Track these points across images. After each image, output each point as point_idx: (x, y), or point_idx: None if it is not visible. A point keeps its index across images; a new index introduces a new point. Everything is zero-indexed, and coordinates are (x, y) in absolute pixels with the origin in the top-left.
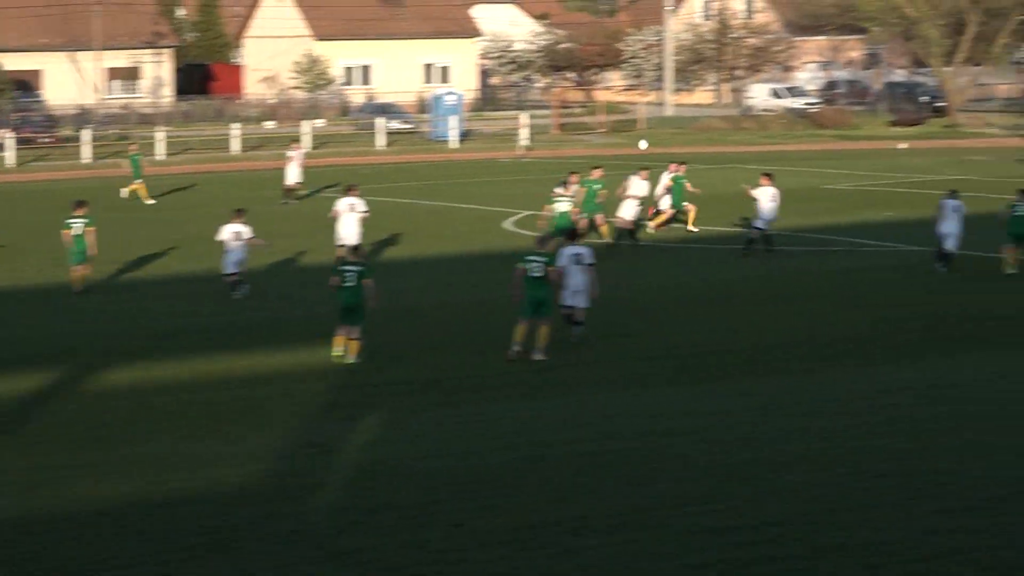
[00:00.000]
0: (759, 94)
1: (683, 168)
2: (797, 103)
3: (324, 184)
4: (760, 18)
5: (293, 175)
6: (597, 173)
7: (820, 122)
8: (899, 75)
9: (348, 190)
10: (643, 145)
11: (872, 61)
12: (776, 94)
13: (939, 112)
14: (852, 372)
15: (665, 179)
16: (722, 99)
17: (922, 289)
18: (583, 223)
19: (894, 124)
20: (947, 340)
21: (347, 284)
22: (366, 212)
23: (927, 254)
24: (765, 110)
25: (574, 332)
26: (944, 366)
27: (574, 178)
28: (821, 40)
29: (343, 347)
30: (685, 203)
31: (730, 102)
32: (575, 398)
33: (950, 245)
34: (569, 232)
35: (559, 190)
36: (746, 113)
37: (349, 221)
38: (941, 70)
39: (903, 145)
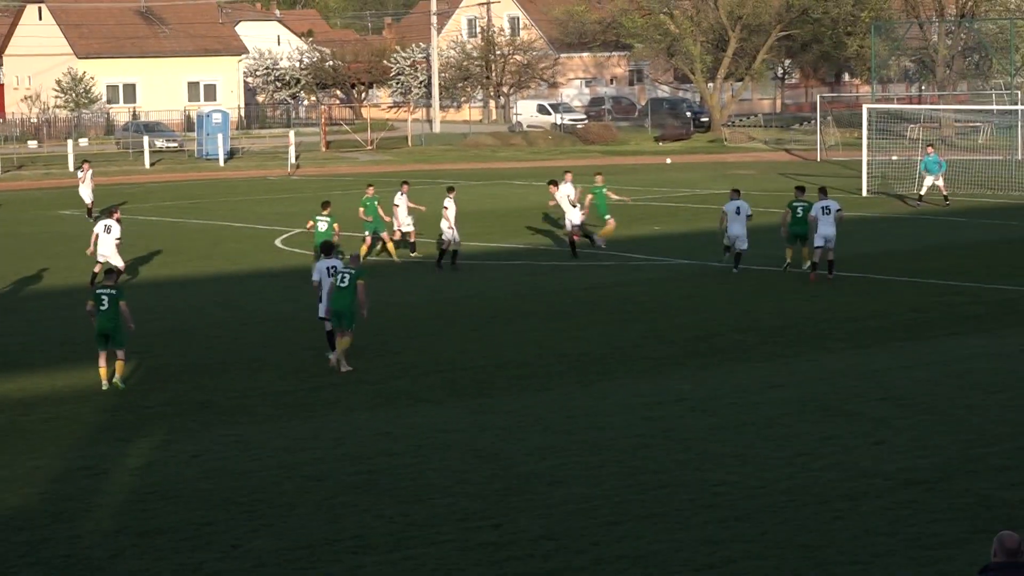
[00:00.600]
0: (526, 110)
1: (601, 179)
2: (564, 119)
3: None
4: (525, 35)
5: (87, 195)
6: (370, 191)
7: (587, 138)
8: (663, 91)
9: (108, 212)
10: (668, 161)
11: (637, 77)
12: (543, 110)
13: (703, 127)
14: (623, 385)
15: (569, 191)
16: (490, 116)
17: (691, 302)
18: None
19: (660, 139)
20: (716, 352)
21: (102, 309)
22: (119, 239)
23: (696, 267)
24: (532, 126)
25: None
26: (715, 378)
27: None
28: (586, 57)
29: (107, 378)
30: (608, 215)
31: (498, 119)
32: (348, 416)
33: (741, 245)
34: (325, 247)
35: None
36: (514, 129)
37: (106, 243)
38: (704, 86)
39: (669, 160)
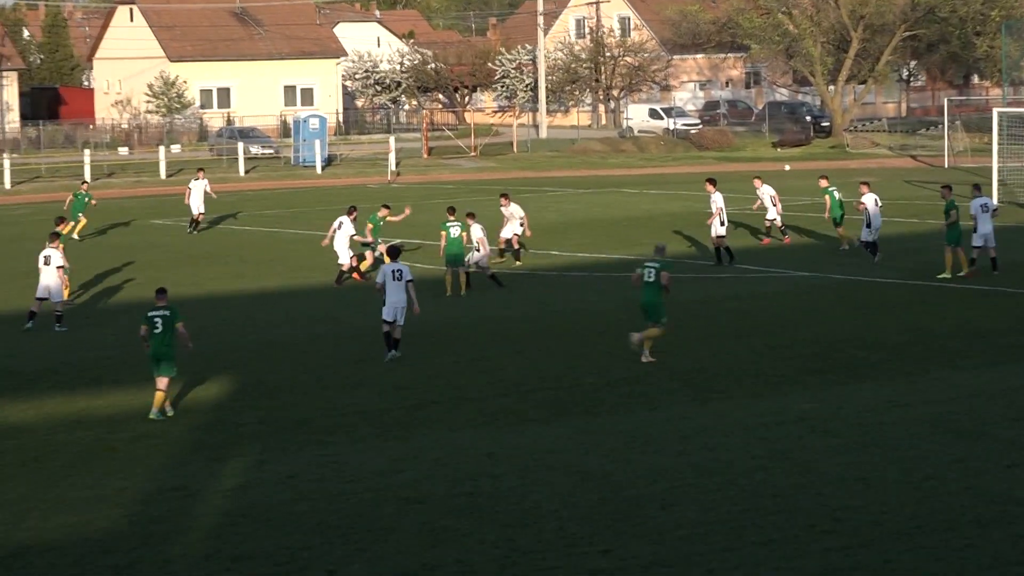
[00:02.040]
0: (637, 115)
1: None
2: (677, 124)
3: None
4: (636, 36)
5: (196, 204)
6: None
7: (701, 144)
8: (782, 94)
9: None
10: (787, 168)
11: (753, 80)
12: (655, 115)
13: (824, 132)
14: (738, 404)
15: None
16: (599, 121)
17: (811, 316)
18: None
19: (778, 145)
20: (838, 369)
21: (156, 332)
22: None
23: (816, 280)
24: (644, 132)
25: (391, 352)
26: (836, 396)
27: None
28: (700, 59)
29: (158, 405)
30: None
31: (607, 124)
32: (450, 435)
33: (869, 236)
34: (391, 250)
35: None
36: (624, 135)
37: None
38: (825, 89)
39: (788, 167)
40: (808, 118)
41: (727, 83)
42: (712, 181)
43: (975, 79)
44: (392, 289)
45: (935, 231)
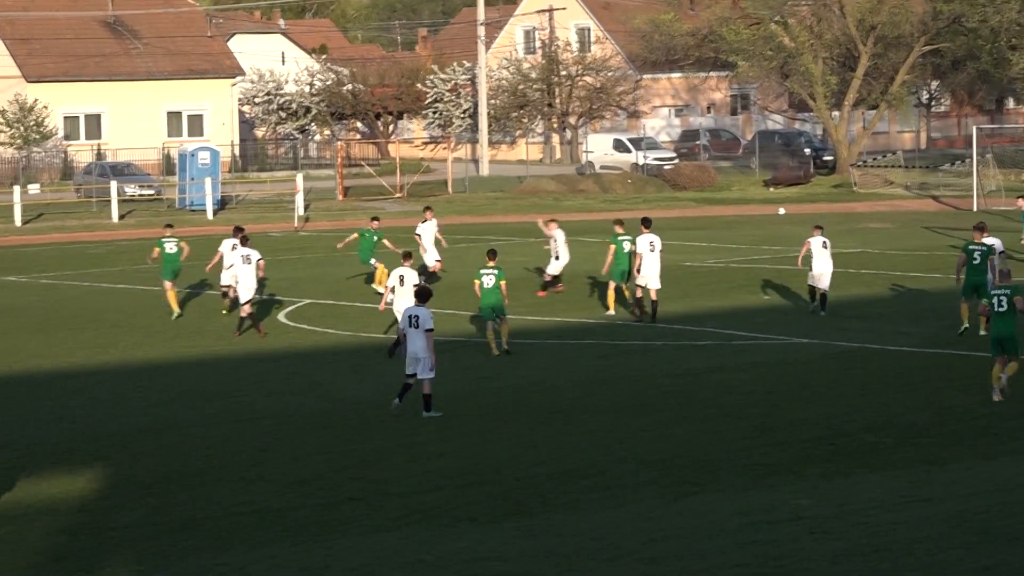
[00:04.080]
0: (599, 147)
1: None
2: (648, 158)
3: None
4: (599, 51)
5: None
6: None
7: (677, 182)
8: (775, 122)
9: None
10: (781, 211)
11: (741, 105)
12: (621, 147)
13: (826, 168)
14: (722, 499)
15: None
16: (553, 154)
17: (811, 392)
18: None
19: (771, 183)
20: (843, 457)
21: None
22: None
23: (818, 348)
24: (607, 167)
25: (424, 412)
26: (841, 490)
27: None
28: (676, 78)
29: None
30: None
31: (563, 158)
32: (369, 539)
33: (823, 285)
34: (420, 293)
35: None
36: (584, 171)
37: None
38: (827, 115)
39: (782, 210)
40: (807, 151)
41: (709, 108)
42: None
43: (1010, 103)
44: (409, 337)
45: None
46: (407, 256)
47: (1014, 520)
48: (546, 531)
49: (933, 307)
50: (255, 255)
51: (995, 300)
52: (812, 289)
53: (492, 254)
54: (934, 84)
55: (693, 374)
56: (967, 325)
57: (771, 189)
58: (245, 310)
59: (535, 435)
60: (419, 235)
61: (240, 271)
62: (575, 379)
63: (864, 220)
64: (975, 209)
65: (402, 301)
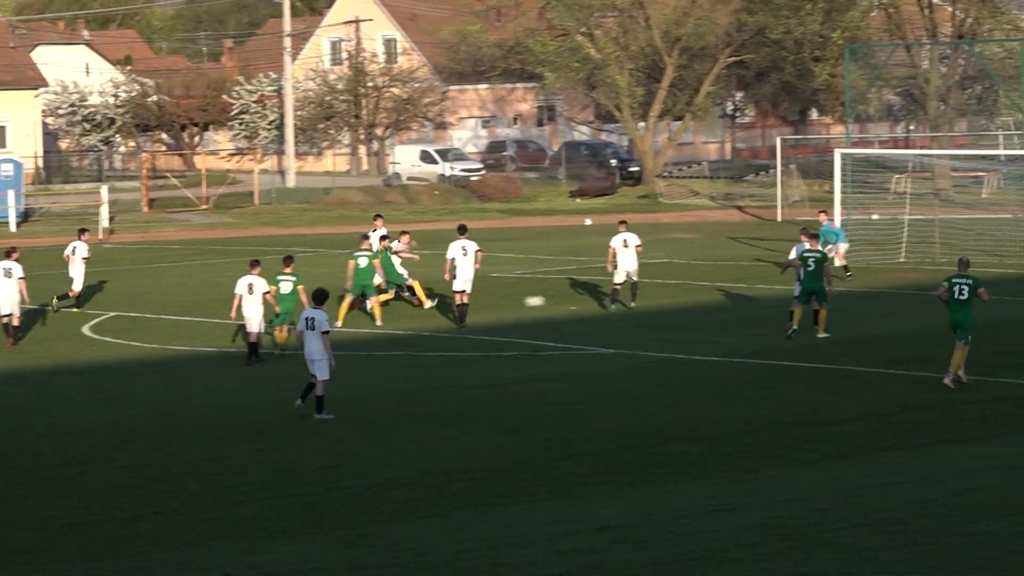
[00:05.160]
0: (406, 158)
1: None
2: (454, 169)
3: None
4: (405, 62)
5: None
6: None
7: (484, 193)
8: (582, 133)
9: None
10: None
11: (548, 116)
12: (428, 158)
13: (632, 179)
14: (531, 509)
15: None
16: (360, 165)
17: (619, 402)
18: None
19: (577, 195)
20: (650, 466)
21: None
22: None
23: (625, 358)
24: (414, 179)
25: (316, 414)
26: (648, 499)
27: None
28: (483, 90)
29: None
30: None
31: (370, 169)
32: (176, 554)
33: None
34: (317, 295)
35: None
36: (390, 183)
37: None
38: (633, 126)
39: (588, 221)
40: (613, 162)
41: (515, 119)
42: (462, 228)
43: (814, 114)
44: (306, 339)
45: (766, 298)
46: (255, 264)
47: (820, 528)
48: (358, 543)
49: (738, 317)
50: (17, 270)
51: (956, 288)
52: (615, 290)
53: (288, 260)
54: (739, 95)
55: (500, 385)
56: (796, 328)
57: (577, 200)
58: (14, 319)
59: (346, 447)
60: (368, 240)
61: (1, 285)
62: (384, 390)
63: (670, 231)
64: (779, 219)
65: (252, 309)
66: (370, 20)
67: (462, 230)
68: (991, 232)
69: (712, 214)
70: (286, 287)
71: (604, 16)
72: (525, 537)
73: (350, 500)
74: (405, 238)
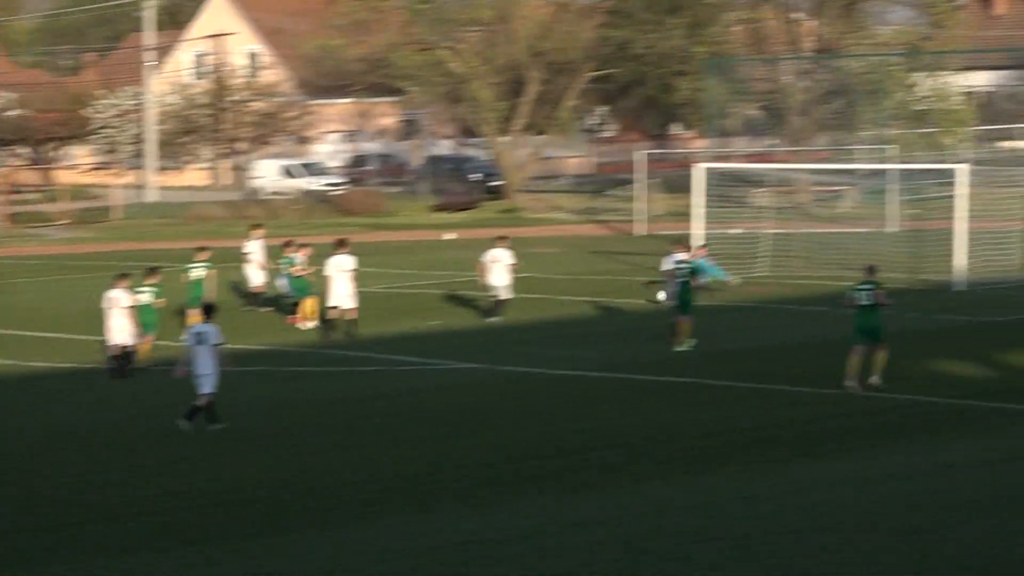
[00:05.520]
0: (268, 172)
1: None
2: (316, 183)
3: None
4: (268, 77)
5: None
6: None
7: (346, 207)
8: (444, 147)
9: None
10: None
11: (410, 130)
12: (290, 172)
13: (495, 193)
14: (388, 526)
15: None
16: (221, 179)
17: (479, 417)
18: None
19: (439, 209)
20: (509, 481)
21: None
22: None
23: (485, 372)
24: (276, 193)
25: (182, 420)
26: (508, 514)
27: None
28: (346, 104)
29: None
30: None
31: (232, 183)
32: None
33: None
34: (206, 308)
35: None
36: (252, 197)
37: None
38: (496, 141)
39: (450, 235)
40: (476, 176)
41: (379, 134)
42: (342, 242)
43: (676, 128)
44: (197, 354)
45: (628, 312)
46: (121, 277)
47: (678, 542)
48: (210, 561)
49: (600, 331)
50: None
51: (863, 295)
52: (496, 303)
53: (151, 272)
54: (601, 109)
55: (358, 400)
56: (693, 340)
57: (440, 214)
58: None
59: (181, 467)
60: (248, 252)
61: None
62: (242, 406)
63: (532, 245)
64: (641, 233)
65: (118, 322)
66: (234, 34)
67: (341, 244)
68: (851, 246)
69: (574, 228)
70: (147, 299)
71: (468, 30)
72: (384, 552)
73: (196, 520)
74: (304, 252)
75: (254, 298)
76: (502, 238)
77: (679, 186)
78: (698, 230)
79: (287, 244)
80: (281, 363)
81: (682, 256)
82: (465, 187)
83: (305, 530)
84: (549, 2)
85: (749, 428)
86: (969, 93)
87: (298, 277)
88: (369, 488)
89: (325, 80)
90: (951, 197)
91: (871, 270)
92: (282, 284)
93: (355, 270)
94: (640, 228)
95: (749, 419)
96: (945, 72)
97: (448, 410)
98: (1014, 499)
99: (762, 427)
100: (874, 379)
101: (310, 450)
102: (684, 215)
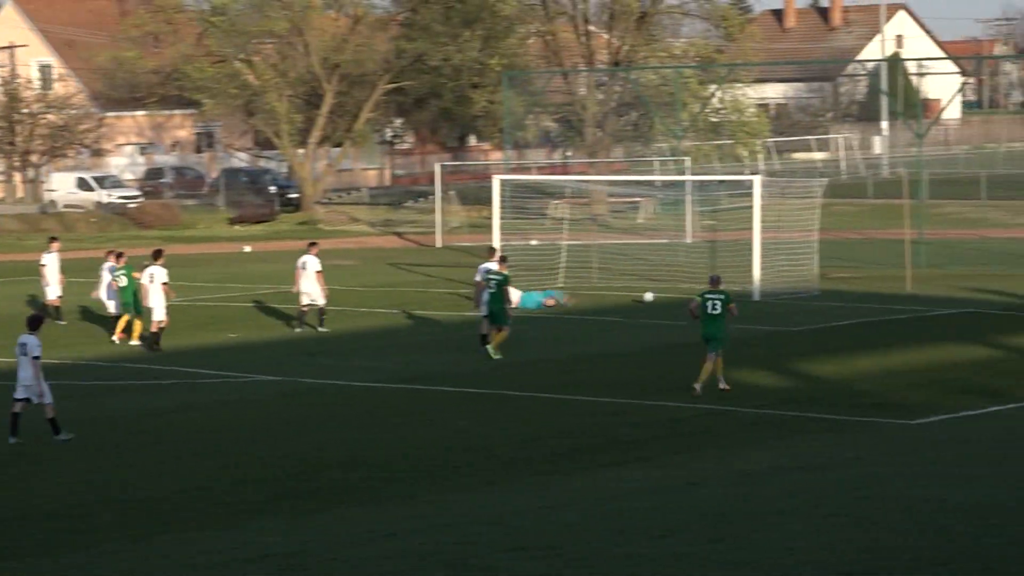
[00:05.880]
0: (63, 186)
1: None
2: (112, 196)
3: None
4: (61, 89)
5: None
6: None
7: (142, 220)
8: (241, 160)
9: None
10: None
11: (206, 142)
12: (85, 185)
13: (292, 205)
14: (189, 539)
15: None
16: (15, 193)
17: (281, 430)
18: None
19: (236, 221)
20: (313, 494)
21: None
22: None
23: (286, 385)
24: (71, 206)
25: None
26: (311, 526)
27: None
28: (140, 117)
29: None
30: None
31: (26, 196)
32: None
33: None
34: (30, 320)
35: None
36: (47, 210)
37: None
38: (293, 153)
39: (248, 248)
40: (273, 188)
41: (174, 146)
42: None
43: (473, 140)
44: (20, 365)
45: (427, 324)
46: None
47: (478, 552)
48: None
49: (397, 342)
50: None
51: (709, 303)
52: (302, 312)
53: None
54: (398, 121)
55: (159, 414)
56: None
57: (236, 227)
58: None
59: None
60: (44, 265)
61: None
62: (39, 422)
63: (330, 257)
64: (439, 244)
65: None
66: (25, 46)
67: (157, 255)
68: (647, 257)
69: (372, 240)
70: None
71: (262, 43)
72: (185, 566)
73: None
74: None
75: (53, 311)
76: (313, 244)
77: (476, 198)
78: (497, 242)
79: (119, 256)
80: (79, 377)
81: (493, 266)
82: (262, 199)
83: (106, 544)
84: (344, 14)
85: (551, 438)
86: (763, 105)
87: (123, 289)
88: (176, 501)
89: (119, 92)
90: (746, 208)
91: (716, 280)
92: (110, 297)
93: (166, 283)
94: (439, 240)
95: (551, 430)
96: (739, 84)
97: (247, 423)
98: (813, 505)
99: (564, 437)
100: (721, 384)
101: (119, 464)
102: (482, 227)
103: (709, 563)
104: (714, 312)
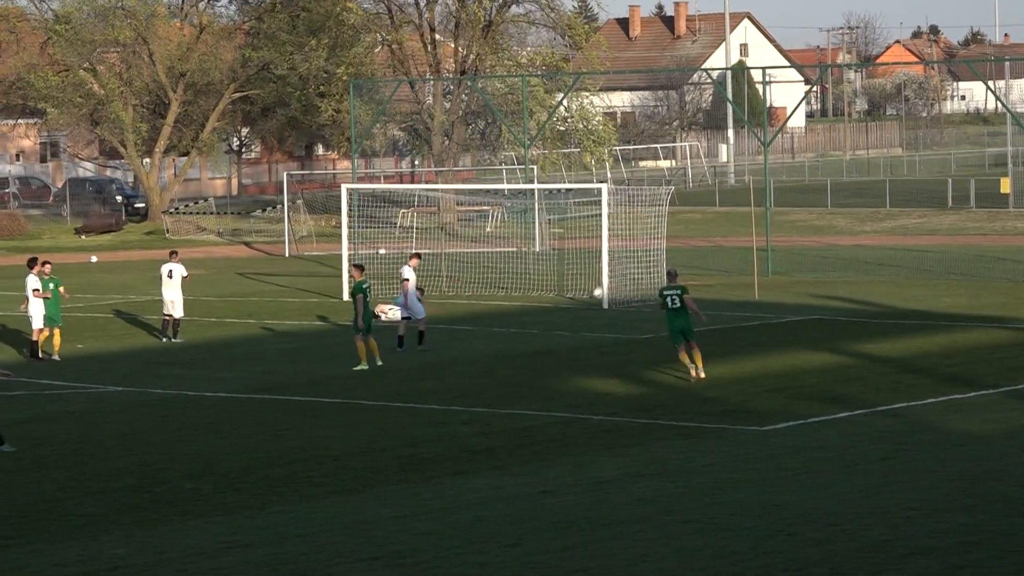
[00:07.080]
0: None
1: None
2: None
3: None
4: None
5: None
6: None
7: None
8: (86, 169)
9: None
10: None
11: (51, 152)
12: None
13: (139, 215)
14: (37, 551)
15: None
16: None
17: (127, 441)
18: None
19: (82, 231)
20: (161, 505)
21: None
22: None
23: (133, 396)
24: None
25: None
26: (160, 538)
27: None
28: None
29: None
30: None
31: None
32: None
33: (176, 312)
34: None
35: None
36: None
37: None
38: (139, 163)
39: (94, 258)
40: (119, 198)
41: (18, 156)
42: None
43: (319, 149)
44: None
45: (277, 333)
46: None
47: (332, 562)
48: None
49: (246, 352)
50: None
51: (668, 299)
52: (165, 321)
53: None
54: (245, 131)
55: (5, 425)
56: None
57: (83, 237)
58: None
59: None
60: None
61: None
62: None
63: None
64: (287, 254)
65: None
66: None
67: (32, 264)
68: (496, 265)
69: (220, 250)
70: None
71: (107, 52)
72: None
73: None
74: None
75: None
76: (174, 252)
77: (324, 207)
78: (346, 251)
79: (44, 263)
80: None
81: (408, 270)
82: (108, 209)
83: None
84: (189, 23)
85: (401, 447)
86: (609, 113)
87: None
88: (24, 514)
89: None
90: (595, 216)
91: (673, 275)
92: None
93: (36, 290)
94: (287, 249)
95: (403, 439)
96: (585, 93)
97: (95, 434)
98: (666, 512)
99: (416, 446)
100: (699, 372)
101: None
102: (331, 236)
103: (562, 571)
104: (675, 306)
